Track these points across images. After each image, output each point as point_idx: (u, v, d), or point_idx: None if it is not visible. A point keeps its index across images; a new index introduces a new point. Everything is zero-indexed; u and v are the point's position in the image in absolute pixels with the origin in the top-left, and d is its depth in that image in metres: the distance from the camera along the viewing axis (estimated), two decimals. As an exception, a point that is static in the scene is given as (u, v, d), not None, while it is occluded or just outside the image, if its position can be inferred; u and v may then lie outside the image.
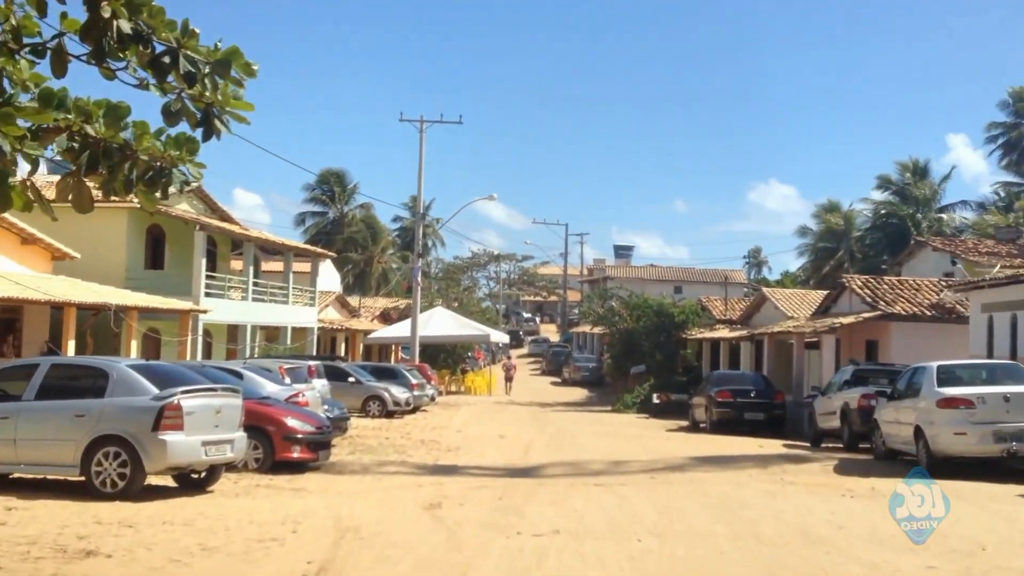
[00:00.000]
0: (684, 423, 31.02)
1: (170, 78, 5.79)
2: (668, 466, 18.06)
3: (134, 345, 28.20)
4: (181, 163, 6.26)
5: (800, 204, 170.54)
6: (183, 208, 34.78)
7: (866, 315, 27.53)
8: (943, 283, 29.20)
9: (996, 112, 64.46)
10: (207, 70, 5.82)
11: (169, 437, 12.31)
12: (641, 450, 21.62)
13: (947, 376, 16.30)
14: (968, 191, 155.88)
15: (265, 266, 44.83)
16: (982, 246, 39.68)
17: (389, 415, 30.30)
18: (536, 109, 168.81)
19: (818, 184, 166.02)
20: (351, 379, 31.07)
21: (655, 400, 36.62)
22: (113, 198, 6.69)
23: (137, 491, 12.31)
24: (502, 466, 18.27)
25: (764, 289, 46.10)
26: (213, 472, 13.63)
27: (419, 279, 44.57)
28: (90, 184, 6.17)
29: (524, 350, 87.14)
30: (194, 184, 7.04)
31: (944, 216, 62.37)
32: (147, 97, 5.91)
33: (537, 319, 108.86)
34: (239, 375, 18.63)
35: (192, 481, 13.63)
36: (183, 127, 5.98)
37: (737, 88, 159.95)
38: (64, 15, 5.58)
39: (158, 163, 6.19)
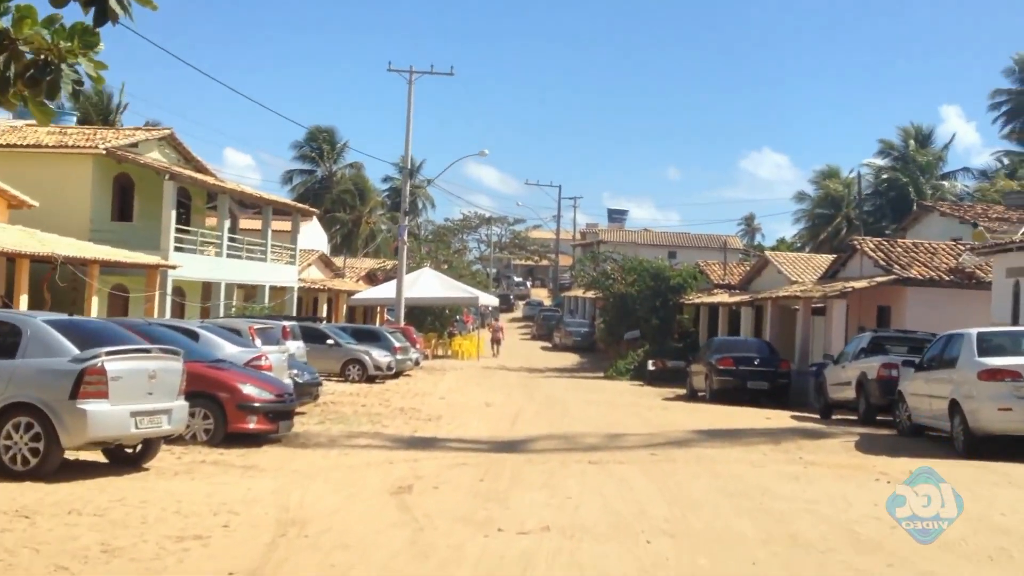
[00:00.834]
0: (681, 391, 29.24)
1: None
2: (670, 440, 16.25)
3: (95, 302, 26.22)
4: (73, 58, 5.14)
5: (792, 172, 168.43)
6: (153, 156, 32.68)
7: (880, 279, 25.68)
8: (963, 246, 27.32)
9: (1000, 79, 62.73)
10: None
11: (90, 406, 10.40)
12: (638, 421, 19.81)
13: (989, 345, 14.42)
14: (963, 161, 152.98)
15: (245, 223, 42.80)
16: (991, 212, 37.90)
17: (370, 380, 28.47)
18: (530, 70, 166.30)
19: (811, 154, 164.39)
20: (330, 341, 29.19)
21: (650, 367, 34.80)
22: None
23: (52, 469, 10.41)
24: (486, 439, 16.45)
25: (767, 252, 44.17)
26: (149, 447, 11.75)
27: (405, 238, 42.50)
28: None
29: (515, 314, 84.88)
30: (92, 87, 5.34)
31: (946, 183, 60.79)
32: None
33: (528, 284, 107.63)
34: (195, 335, 16.76)
35: (126, 456, 11.77)
36: (77, 13, 4.90)
37: (731, 55, 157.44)
38: None
39: (44, 57, 5.10)
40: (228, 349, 16.85)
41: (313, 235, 52.24)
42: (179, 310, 32.08)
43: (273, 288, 37.34)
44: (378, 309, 49.55)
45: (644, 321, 39.30)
